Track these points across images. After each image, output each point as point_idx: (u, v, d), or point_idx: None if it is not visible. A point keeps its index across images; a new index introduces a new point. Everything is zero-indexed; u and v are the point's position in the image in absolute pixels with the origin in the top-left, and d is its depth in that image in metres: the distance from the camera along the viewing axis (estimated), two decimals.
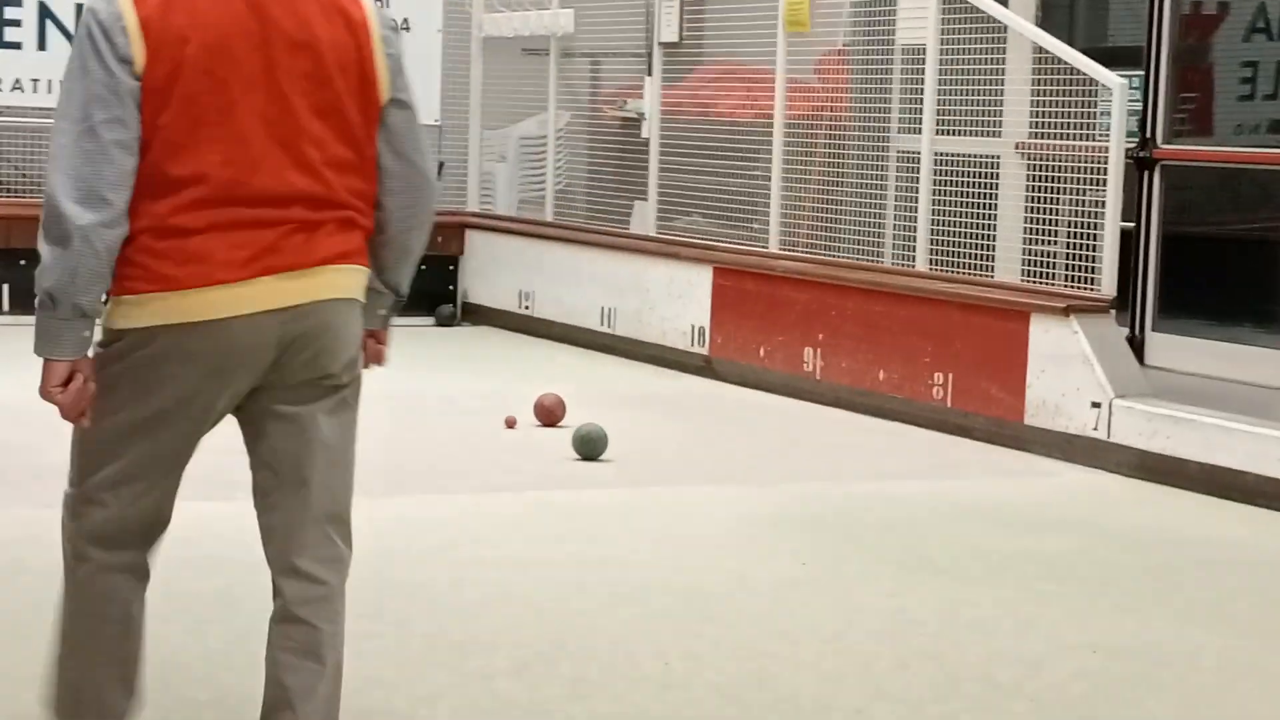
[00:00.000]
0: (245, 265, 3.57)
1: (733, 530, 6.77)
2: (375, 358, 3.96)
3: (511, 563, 6.15)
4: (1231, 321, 8.98)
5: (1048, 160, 8.80)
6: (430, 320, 12.46)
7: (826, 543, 6.62)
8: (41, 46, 11.99)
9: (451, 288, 12.71)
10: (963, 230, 9.15)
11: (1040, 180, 8.84)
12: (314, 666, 3.76)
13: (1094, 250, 8.51)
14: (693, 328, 10.65)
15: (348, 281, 3.71)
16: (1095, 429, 8.20)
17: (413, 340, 11.79)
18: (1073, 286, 8.59)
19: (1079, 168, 8.64)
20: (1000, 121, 9.07)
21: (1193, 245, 9.30)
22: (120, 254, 3.54)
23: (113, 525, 3.74)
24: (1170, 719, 4.86)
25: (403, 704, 4.64)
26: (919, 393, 9.10)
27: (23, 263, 10.81)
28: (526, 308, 12.20)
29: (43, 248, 3.53)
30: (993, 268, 9.10)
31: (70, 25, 11.62)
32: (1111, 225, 8.49)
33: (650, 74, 11.34)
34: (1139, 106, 8.95)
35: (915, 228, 9.41)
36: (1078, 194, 8.67)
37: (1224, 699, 5.01)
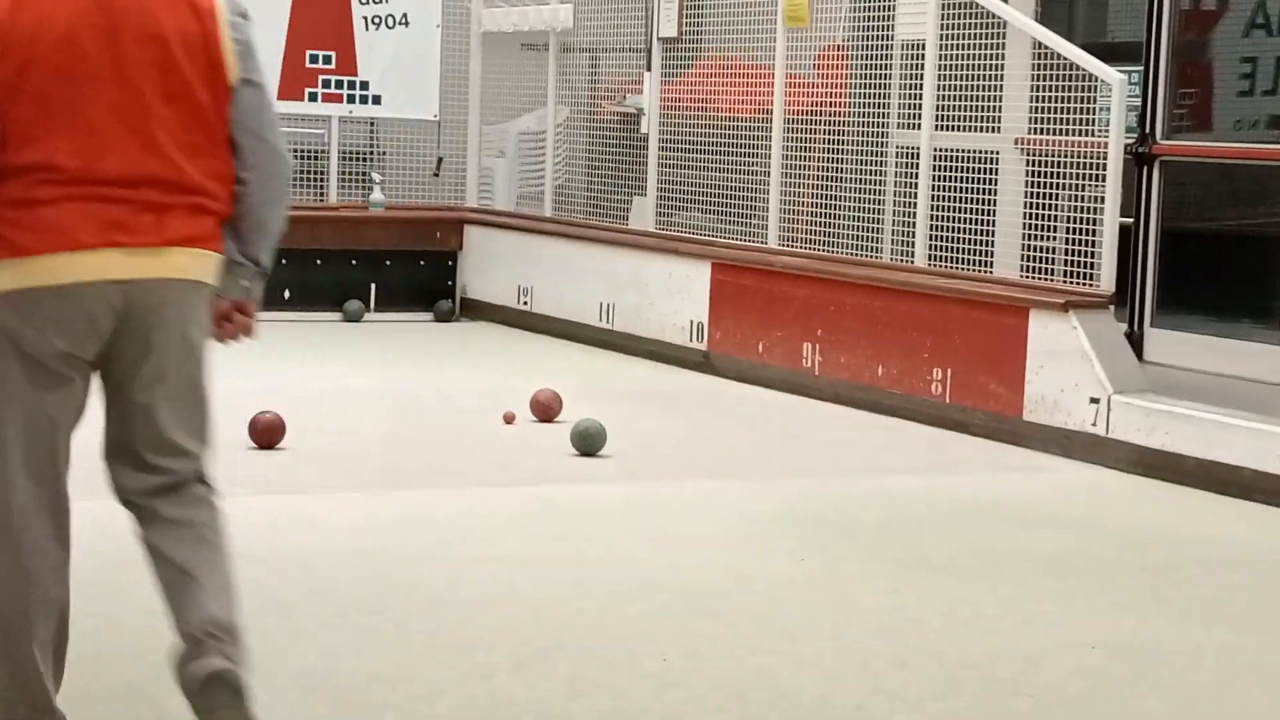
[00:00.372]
0: (95, 234, 3.76)
1: (732, 527, 6.77)
2: (243, 329, 4.08)
3: (510, 559, 6.14)
4: (1230, 317, 8.96)
5: (1047, 156, 8.79)
6: (429, 315, 12.44)
7: (825, 539, 6.61)
8: None
9: (450, 283, 12.68)
10: (962, 226, 9.15)
11: (1039, 176, 8.84)
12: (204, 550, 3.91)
13: (1093, 246, 8.51)
14: (691, 323, 10.65)
15: (194, 264, 3.87)
16: (1094, 425, 8.20)
17: (411, 335, 11.79)
18: (1072, 282, 8.59)
19: (1078, 163, 8.64)
20: (999, 117, 9.07)
21: (1192, 241, 9.28)
22: None
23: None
24: (1170, 716, 4.85)
25: (402, 701, 4.63)
26: (918, 388, 9.10)
27: None
28: (525, 303, 12.19)
29: None
30: (992, 263, 9.10)
31: None
32: (1110, 221, 8.49)
33: (649, 69, 11.34)
34: (1138, 102, 8.94)
35: (914, 223, 9.42)
36: (1077, 189, 8.67)
37: (1223, 695, 5.00)
